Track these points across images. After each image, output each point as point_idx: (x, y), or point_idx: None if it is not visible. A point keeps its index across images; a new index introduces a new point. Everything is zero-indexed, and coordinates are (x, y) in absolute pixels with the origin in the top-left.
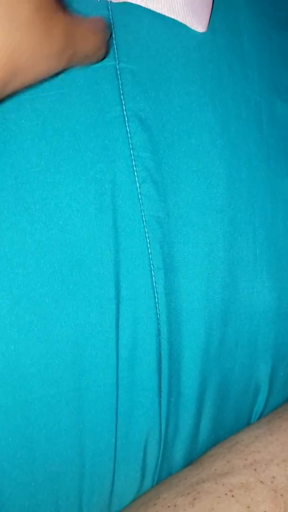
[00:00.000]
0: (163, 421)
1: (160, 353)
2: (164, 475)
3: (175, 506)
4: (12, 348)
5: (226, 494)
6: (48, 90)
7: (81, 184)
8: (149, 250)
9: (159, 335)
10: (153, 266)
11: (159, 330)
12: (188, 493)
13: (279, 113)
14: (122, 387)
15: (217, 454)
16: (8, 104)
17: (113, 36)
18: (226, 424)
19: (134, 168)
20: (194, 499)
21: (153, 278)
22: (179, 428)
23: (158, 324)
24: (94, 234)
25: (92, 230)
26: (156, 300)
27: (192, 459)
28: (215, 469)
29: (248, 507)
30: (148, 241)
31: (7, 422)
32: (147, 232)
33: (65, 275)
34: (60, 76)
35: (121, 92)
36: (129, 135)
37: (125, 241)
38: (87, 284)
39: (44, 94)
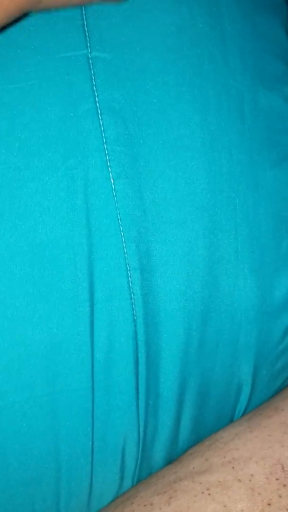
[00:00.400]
0: (141, 423)
1: (137, 355)
2: (144, 475)
3: (151, 504)
4: None
5: (202, 492)
6: (17, 82)
7: (51, 181)
8: (125, 249)
9: (136, 337)
10: (129, 266)
11: (135, 332)
12: (165, 492)
13: (262, 102)
14: (98, 390)
15: (196, 452)
16: None
17: (85, 22)
18: (207, 424)
19: (108, 163)
20: (171, 497)
21: (129, 278)
22: (158, 429)
23: (135, 326)
24: (66, 234)
25: (64, 230)
26: (133, 301)
27: (172, 459)
28: (193, 467)
29: (225, 506)
30: (123, 240)
31: None
32: (122, 231)
33: (37, 277)
34: (29, 67)
35: (94, 83)
36: (102, 129)
37: (99, 240)
38: (60, 286)
39: (12, 86)
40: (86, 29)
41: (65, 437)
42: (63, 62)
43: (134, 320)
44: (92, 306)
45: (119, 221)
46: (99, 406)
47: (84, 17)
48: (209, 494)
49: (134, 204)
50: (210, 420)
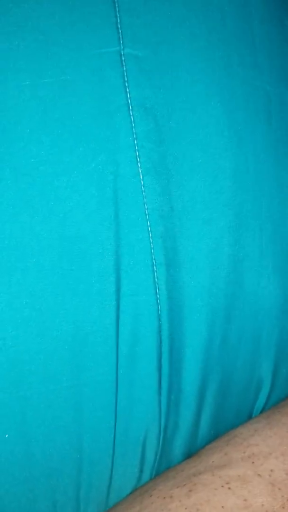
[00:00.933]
0: (163, 418)
1: (160, 350)
2: (163, 469)
3: (171, 497)
4: (10, 343)
5: (222, 486)
6: (50, 76)
7: (82, 176)
8: (152, 244)
9: (160, 331)
10: (155, 261)
11: (160, 326)
12: (184, 485)
13: None
14: (121, 383)
15: (215, 447)
16: (8, 91)
17: (118, 20)
18: (227, 420)
19: (138, 159)
20: (190, 490)
21: (155, 273)
22: (178, 424)
23: (159, 320)
24: (95, 228)
25: (93, 224)
26: (158, 296)
27: (191, 454)
28: (212, 462)
29: (245, 500)
30: (150, 235)
31: (4, 418)
32: (149, 226)
33: (65, 270)
34: (62, 62)
35: (126, 79)
36: (133, 125)
37: (126, 235)
38: (87, 279)
39: (46, 80)
40: (119, 26)
41: (88, 429)
42: (96, 58)
43: (159, 315)
44: (118, 300)
45: (147, 216)
46: (122, 399)
47: (118, 15)
48: (229, 488)
49: (162, 200)
50: (229, 416)
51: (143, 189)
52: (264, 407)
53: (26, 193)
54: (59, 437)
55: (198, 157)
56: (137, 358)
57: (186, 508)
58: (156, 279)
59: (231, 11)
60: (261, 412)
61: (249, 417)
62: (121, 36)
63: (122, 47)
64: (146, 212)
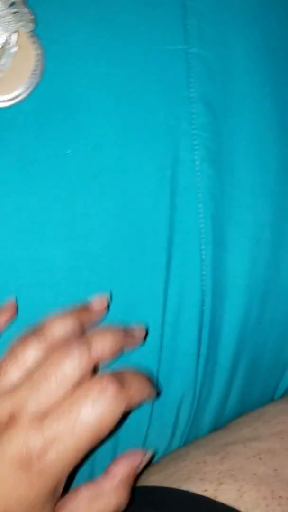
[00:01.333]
0: (198, 386)
1: (202, 322)
2: (191, 438)
3: (204, 462)
4: (68, 304)
5: (254, 456)
6: (123, 67)
7: (146, 157)
8: (201, 225)
9: (202, 305)
10: (203, 240)
11: (203, 300)
12: (217, 453)
13: None
14: (164, 349)
15: (244, 422)
16: (86, 76)
17: (187, 22)
18: (253, 396)
19: (195, 147)
20: (223, 458)
21: (202, 251)
22: (211, 393)
23: (203, 295)
24: (152, 204)
25: (151, 200)
26: (203, 272)
27: (217, 426)
28: (243, 435)
29: (275, 469)
30: (201, 216)
31: None
32: (200, 208)
33: (125, 239)
34: (133, 55)
35: (189, 75)
36: (193, 116)
37: (180, 213)
38: (143, 250)
39: (120, 70)
40: (187, 28)
41: None
42: (165, 54)
43: (203, 290)
44: (168, 272)
45: (199, 198)
46: (163, 364)
47: (186, 17)
48: (259, 458)
49: (214, 185)
50: (256, 393)
51: (198, 174)
52: (287, 388)
53: (95, 168)
54: None
55: (249, 150)
56: (180, 328)
57: (220, 473)
58: (203, 257)
59: (286, 21)
60: (284, 392)
61: (273, 396)
62: (188, 37)
63: (188, 46)
64: (199, 195)
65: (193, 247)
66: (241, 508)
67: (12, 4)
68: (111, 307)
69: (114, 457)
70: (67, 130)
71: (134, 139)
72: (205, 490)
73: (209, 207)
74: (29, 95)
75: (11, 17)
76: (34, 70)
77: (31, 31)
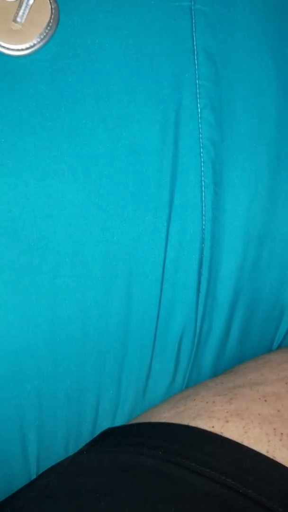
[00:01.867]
0: (199, 320)
1: (201, 258)
2: (194, 377)
3: (213, 402)
4: (77, 240)
5: (259, 398)
6: (131, 20)
7: (151, 104)
8: (202, 168)
9: (202, 242)
10: (204, 183)
11: (203, 238)
12: (225, 394)
13: None
14: (166, 282)
15: (251, 367)
16: (96, 29)
17: None
18: (252, 339)
19: (198, 95)
20: (231, 399)
21: (203, 193)
22: (211, 329)
23: (203, 233)
24: (156, 147)
25: (155, 144)
26: (203, 212)
27: (218, 369)
28: (250, 379)
29: (279, 410)
30: (202, 160)
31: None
32: (202, 152)
33: (129, 180)
34: (142, 12)
35: (193, 29)
36: (196, 67)
37: (182, 157)
38: (146, 189)
39: (127, 22)
40: None
41: (135, 315)
42: (171, 10)
43: (203, 229)
44: (169, 209)
45: (200, 143)
46: (165, 296)
47: None
48: (265, 400)
49: (214, 131)
50: (255, 337)
51: (199, 120)
52: (286, 334)
53: (104, 113)
54: (110, 319)
55: (249, 100)
56: (181, 263)
57: (227, 412)
58: (203, 198)
59: None
60: (283, 339)
61: (271, 342)
62: None
63: (193, 3)
64: (200, 140)
65: (194, 188)
66: (244, 443)
67: None
68: (116, 239)
69: (119, 388)
70: (79, 77)
71: (140, 86)
72: (212, 427)
73: (209, 151)
74: (44, 45)
75: None
76: (49, 22)
77: None
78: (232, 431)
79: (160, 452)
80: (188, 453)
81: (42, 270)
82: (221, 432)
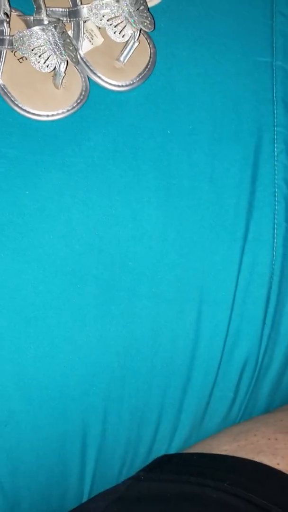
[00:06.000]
0: (261, 351)
1: (269, 292)
2: (249, 408)
3: (275, 439)
4: (155, 262)
5: None
6: (218, 69)
7: (232, 144)
8: (276, 206)
9: (271, 276)
10: (276, 220)
11: (272, 272)
12: (287, 432)
13: None
14: (235, 311)
15: None
16: (184, 76)
17: (274, 40)
18: None
19: (275, 141)
20: None
21: (275, 230)
22: (272, 362)
23: (273, 267)
24: (235, 184)
25: (234, 181)
26: (274, 247)
27: (272, 402)
28: None
29: None
30: (276, 199)
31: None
32: (276, 192)
33: (208, 211)
34: (228, 61)
35: (274, 82)
36: (275, 115)
37: (258, 194)
38: (224, 222)
39: (215, 71)
40: (274, 45)
41: (203, 341)
42: (253, 63)
43: (273, 264)
44: (244, 243)
45: (275, 184)
46: (233, 325)
47: (273, 36)
48: None
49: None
50: None
51: (275, 163)
52: None
53: (189, 149)
54: (179, 341)
55: None
56: (250, 294)
57: None
58: (275, 234)
59: None
60: None
61: None
62: (275, 52)
63: (274, 59)
64: (275, 181)
65: (267, 224)
66: None
67: (140, 7)
68: (190, 266)
69: (179, 412)
70: (169, 115)
71: (223, 128)
72: (278, 464)
73: (283, 191)
74: (141, 85)
75: (139, 16)
76: (148, 64)
77: (150, 32)
78: None
79: (225, 484)
80: (255, 488)
81: (121, 287)
82: (287, 470)
